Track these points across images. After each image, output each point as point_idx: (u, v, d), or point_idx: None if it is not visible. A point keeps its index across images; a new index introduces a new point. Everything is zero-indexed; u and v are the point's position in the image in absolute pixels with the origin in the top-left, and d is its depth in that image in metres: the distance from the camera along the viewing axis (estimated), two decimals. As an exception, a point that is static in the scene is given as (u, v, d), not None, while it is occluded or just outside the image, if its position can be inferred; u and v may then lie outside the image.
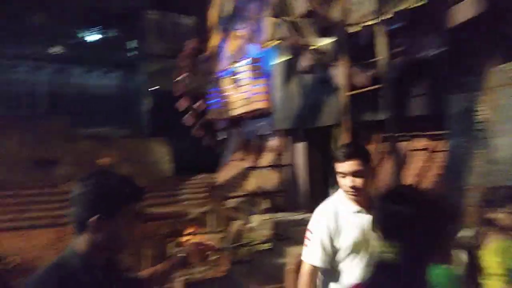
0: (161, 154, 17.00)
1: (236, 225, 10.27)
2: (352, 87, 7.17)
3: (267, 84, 11.57)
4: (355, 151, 2.80)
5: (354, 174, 2.72)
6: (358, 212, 2.84)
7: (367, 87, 6.89)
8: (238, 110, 12.84)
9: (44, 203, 13.11)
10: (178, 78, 15.71)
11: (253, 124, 13.32)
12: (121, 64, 23.77)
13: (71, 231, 1.81)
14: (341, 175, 2.72)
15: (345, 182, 2.78)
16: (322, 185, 9.64)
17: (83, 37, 23.73)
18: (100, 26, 23.56)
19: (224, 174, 16.90)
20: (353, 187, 2.75)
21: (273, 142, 12.45)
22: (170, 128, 17.97)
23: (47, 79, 21.62)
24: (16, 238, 11.92)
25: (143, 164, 16.34)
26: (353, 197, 2.80)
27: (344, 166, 2.73)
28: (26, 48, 20.12)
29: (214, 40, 14.59)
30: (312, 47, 8.33)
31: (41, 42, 20.96)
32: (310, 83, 9.48)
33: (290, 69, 10.27)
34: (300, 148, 10.48)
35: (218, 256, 9.46)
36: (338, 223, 2.85)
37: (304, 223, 8.71)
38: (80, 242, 1.75)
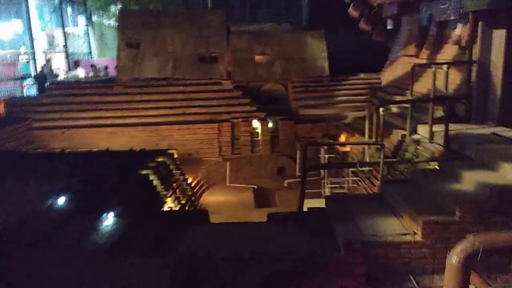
0: (319, 50, 15.92)
1: (397, 135, 8.91)
2: None
3: None
4: None
5: None
6: None
7: None
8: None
9: (206, 100, 14.30)
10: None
11: (431, 7, 10.62)
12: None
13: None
14: None
15: None
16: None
17: None
18: None
19: (389, 73, 14.90)
20: None
21: (459, 30, 9.77)
22: (331, 23, 16.53)
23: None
24: (183, 131, 13.64)
25: (299, 60, 15.71)
26: None
27: None
28: None
29: None
30: None
31: None
32: None
33: None
34: (498, 39, 7.76)
35: (370, 169, 8.50)
36: None
37: (491, 139, 6.65)
38: None
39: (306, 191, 11.12)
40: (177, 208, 8.35)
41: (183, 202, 8.96)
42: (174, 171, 9.17)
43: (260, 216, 7.15)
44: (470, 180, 5.09)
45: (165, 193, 7.88)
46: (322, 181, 10.71)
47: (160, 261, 4.46)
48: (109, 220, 5.35)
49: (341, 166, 11.23)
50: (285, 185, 13.09)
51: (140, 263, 4.54)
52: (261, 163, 14.11)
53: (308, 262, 4.55)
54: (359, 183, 9.85)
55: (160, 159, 8.85)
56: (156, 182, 7.79)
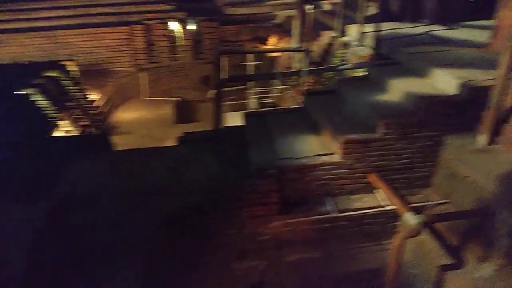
0: None
1: (327, 37, 8.32)
2: None
3: None
4: None
5: None
6: None
7: None
8: None
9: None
10: None
11: None
12: None
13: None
14: None
15: None
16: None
17: None
18: None
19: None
20: None
21: None
22: None
23: None
24: (86, 36, 11.83)
25: None
26: None
27: None
28: None
29: None
30: None
31: None
32: None
33: None
34: None
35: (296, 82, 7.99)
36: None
37: (424, 41, 6.17)
38: None
39: (231, 103, 10.61)
40: (76, 133, 7.39)
41: (85, 124, 7.97)
42: (69, 88, 7.94)
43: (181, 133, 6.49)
44: (397, 89, 4.75)
45: (56, 115, 6.81)
46: (247, 91, 10.12)
47: (31, 208, 3.77)
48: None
49: (260, 77, 10.55)
50: (210, 96, 12.36)
51: (6, 210, 3.82)
52: (183, 73, 13.06)
53: (220, 192, 4.13)
54: (287, 91, 9.41)
55: (49, 74, 7.54)
56: (43, 102, 6.65)
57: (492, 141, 4.08)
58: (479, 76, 4.43)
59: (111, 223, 3.85)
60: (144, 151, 5.31)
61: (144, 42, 12.41)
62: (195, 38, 13.09)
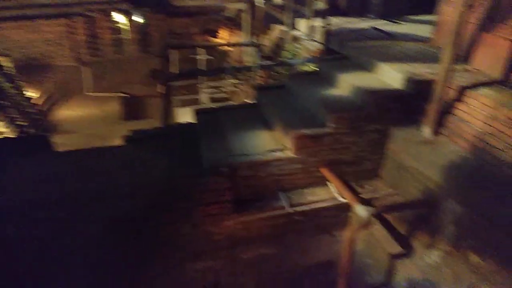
0: None
1: (277, 31, 8.33)
2: None
3: None
4: None
5: None
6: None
7: None
8: None
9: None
10: None
11: None
12: None
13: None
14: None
15: None
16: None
17: None
18: None
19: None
20: None
21: None
22: None
23: None
24: (22, 29, 11.03)
25: None
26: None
27: None
28: None
29: None
30: None
31: None
32: None
33: None
34: None
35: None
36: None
37: (371, 35, 6.26)
38: None
39: (183, 98, 10.37)
40: (12, 134, 6.87)
41: (22, 123, 7.43)
42: (3, 85, 7.37)
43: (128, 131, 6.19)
44: (346, 84, 4.83)
45: (-12, 115, 6.29)
46: (199, 86, 9.93)
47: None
48: None
49: (211, 72, 10.39)
50: (159, 91, 12.00)
51: None
52: (130, 67, 12.58)
53: (170, 192, 3.99)
54: (239, 86, 9.34)
55: (-22, 70, 6.94)
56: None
57: (436, 133, 4.27)
58: (423, 70, 4.61)
59: (51, 233, 3.60)
60: (88, 151, 5.02)
61: (87, 35, 11.80)
62: (142, 31, 12.64)
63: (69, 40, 11.59)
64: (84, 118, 9.84)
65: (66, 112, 10.27)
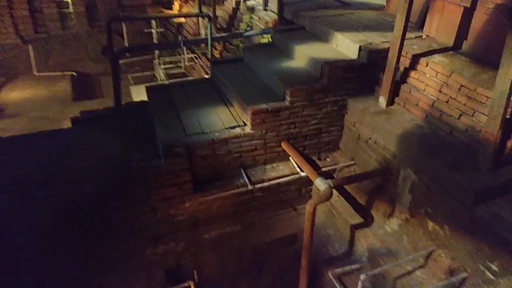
0: None
1: (231, 2, 8.04)
2: None
3: None
4: None
5: None
6: None
7: None
8: None
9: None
10: None
11: None
12: None
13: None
14: None
15: None
16: None
17: None
18: None
19: None
20: None
21: None
22: None
23: None
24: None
25: None
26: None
27: None
28: None
29: None
30: None
31: None
32: None
33: None
34: None
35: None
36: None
37: (327, 4, 6.14)
38: None
39: (138, 75, 9.95)
40: None
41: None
42: None
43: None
44: (302, 55, 4.76)
45: None
46: (154, 61, 9.55)
47: None
48: None
49: (161, 45, 9.98)
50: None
51: None
52: (79, 43, 11.88)
53: (123, 177, 3.83)
54: (196, 60, 9.05)
55: None
56: None
57: (391, 102, 4.30)
58: (377, 39, 4.60)
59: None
60: (32, 136, 4.71)
61: (27, 9, 10.95)
62: (88, 3, 11.90)
63: (8, 16, 10.71)
64: (31, 100, 9.24)
65: (11, 94, 9.60)
